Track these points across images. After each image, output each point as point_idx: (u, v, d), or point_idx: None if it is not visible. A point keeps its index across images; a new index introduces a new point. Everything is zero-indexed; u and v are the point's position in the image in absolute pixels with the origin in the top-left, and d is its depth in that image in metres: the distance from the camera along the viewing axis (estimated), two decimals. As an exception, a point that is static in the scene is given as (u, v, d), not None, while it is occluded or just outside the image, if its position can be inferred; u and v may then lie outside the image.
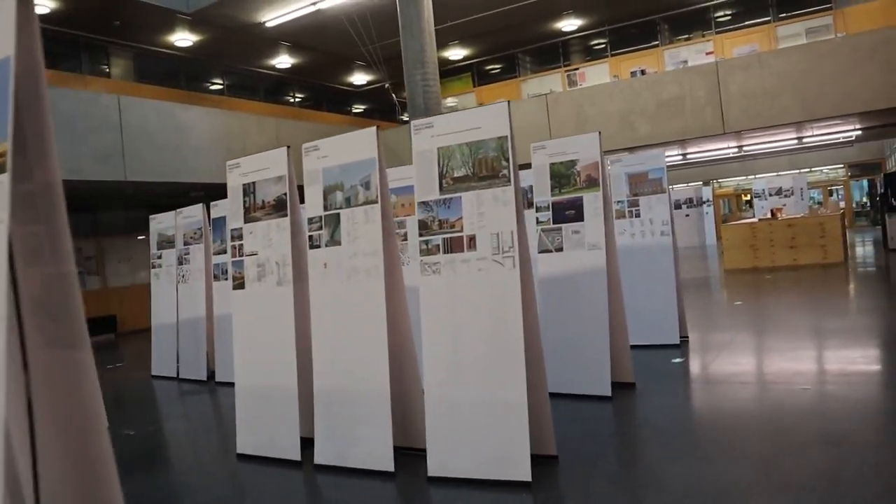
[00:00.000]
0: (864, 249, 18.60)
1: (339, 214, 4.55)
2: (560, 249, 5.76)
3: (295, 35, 17.13)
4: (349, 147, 4.55)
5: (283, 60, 19.40)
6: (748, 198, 29.98)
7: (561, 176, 5.82)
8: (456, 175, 4.16)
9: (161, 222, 9.48)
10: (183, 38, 16.55)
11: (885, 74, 13.58)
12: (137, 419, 6.86)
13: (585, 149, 5.74)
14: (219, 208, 8.13)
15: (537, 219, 5.92)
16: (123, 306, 15.67)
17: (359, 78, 22.26)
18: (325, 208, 4.63)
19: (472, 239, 4.09)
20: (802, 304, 9.95)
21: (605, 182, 5.70)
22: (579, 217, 5.67)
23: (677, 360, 6.79)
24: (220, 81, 19.52)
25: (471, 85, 21.12)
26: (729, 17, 18.35)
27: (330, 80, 22.18)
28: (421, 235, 4.25)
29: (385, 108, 25.02)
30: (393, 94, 16.84)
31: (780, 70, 14.49)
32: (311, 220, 4.71)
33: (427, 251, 4.22)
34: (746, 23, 18.09)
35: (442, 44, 19.81)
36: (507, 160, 4.01)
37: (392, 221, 4.45)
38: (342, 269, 4.52)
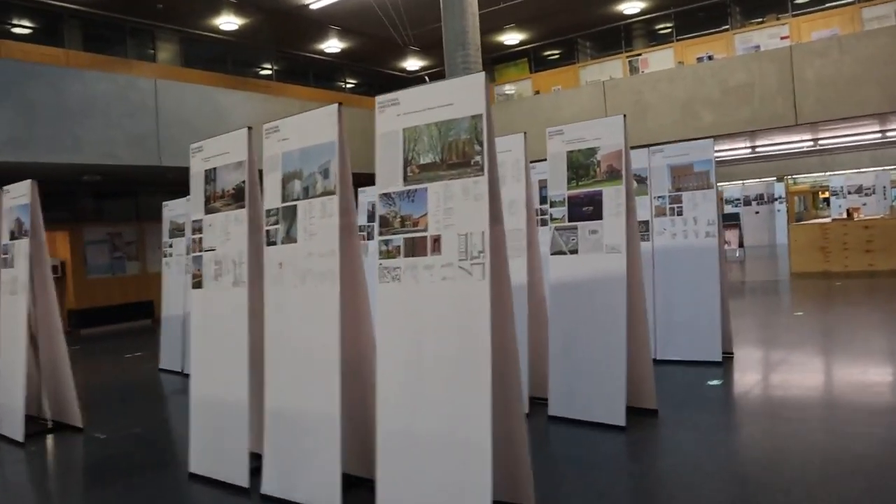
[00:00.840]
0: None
1: (296, 207, 3.87)
2: (575, 251, 4.96)
3: (343, 18, 16.59)
4: (311, 128, 3.87)
5: (333, 45, 18.91)
6: (825, 195, 28.08)
7: (579, 166, 5.01)
8: (422, 162, 3.43)
9: (173, 209, 9.02)
10: (228, 22, 16.19)
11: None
12: (117, 420, 6.37)
13: (608, 134, 4.91)
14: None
15: (551, 215, 5.13)
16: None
17: (412, 63, 21.62)
18: (283, 199, 3.96)
19: (436, 240, 3.35)
20: (875, 320, 8.82)
21: (629, 174, 4.85)
22: (598, 215, 4.85)
23: (715, 381, 5.89)
24: (269, 66, 19.15)
25: (527, 71, 20.22)
26: (808, -1, 16.94)
27: (382, 65, 21.60)
28: (381, 234, 3.53)
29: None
30: (426, 77, 16.11)
31: (862, 55, 13.16)
32: (268, 213, 4.05)
33: (387, 253, 3.50)
34: (827, 5, 16.63)
35: (496, 28, 18.97)
36: (481, 144, 3.24)
37: (353, 217, 3.74)
38: (297, 270, 3.84)
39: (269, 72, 19.19)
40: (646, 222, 6.89)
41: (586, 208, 4.90)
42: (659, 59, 17.84)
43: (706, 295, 6.53)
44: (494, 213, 3.24)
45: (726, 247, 21.71)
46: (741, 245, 21.72)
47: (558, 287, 5.03)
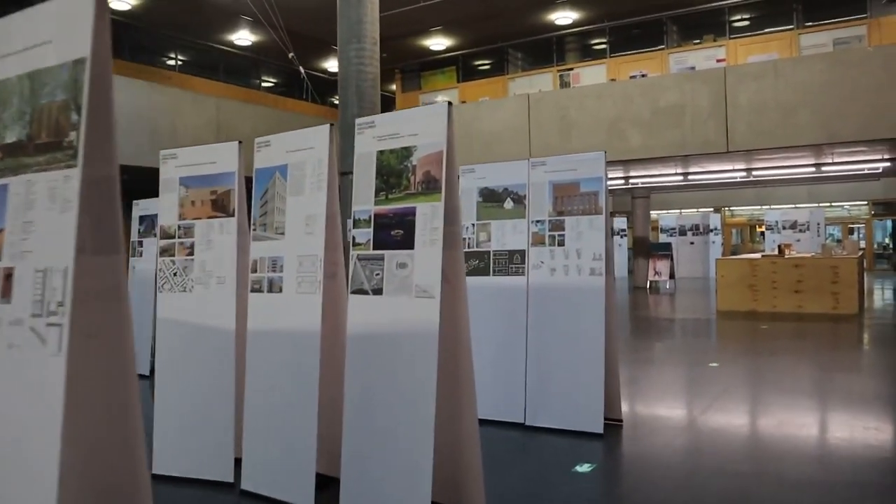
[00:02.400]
0: (883, 300, 16.16)
1: None
2: (379, 291, 3.52)
3: (255, 8, 15.06)
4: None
5: (244, 37, 17.33)
6: (762, 229, 27.45)
7: (391, 172, 3.58)
8: (7, 140, 1.95)
9: (145, 209, 8.70)
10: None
11: (924, 93, 11.25)
12: None
13: (428, 128, 3.48)
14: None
15: (353, 239, 3.69)
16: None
17: (335, 64, 20.12)
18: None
19: (8, 276, 1.87)
20: (800, 373, 7.63)
21: (453, 185, 3.44)
22: (409, 242, 3.42)
23: (584, 467, 4.49)
24: (171, 55, 17.45)
25: (455, 80, 18.93)
26: (747, 23, 16.04)
27: (303, 63, 20.05)
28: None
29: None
30: (301, 69, 14.74)
31: (798, 81, 12.19)
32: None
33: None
34: (766, 30, 15.77)
35: (422, 31, 17.68)
36: (79, 111, 1.78)
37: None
38: None
39: (173, 62, 17.49)
40: (522, 252, 5.53)
41: (395, 232, 3.47)
42: (591, 75, 16.74)
43: (588, 347, 5.17)
44: (98, 236, 1.77)
45: (655, 277, 20.74)
46: (672, 276, 20.72)
47: (357, 339, 3.59)
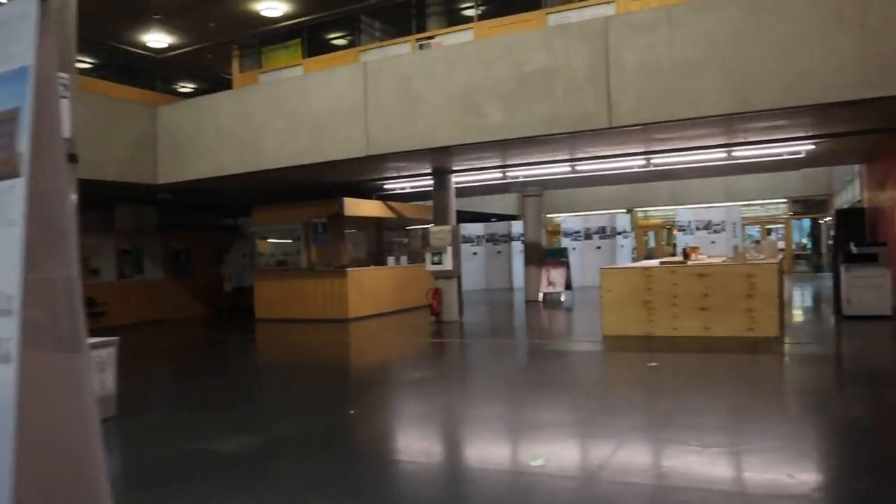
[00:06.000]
0: (807, 315, 13.41)
1: None
2: None
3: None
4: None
5: None
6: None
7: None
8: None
9: None
10: None
11: (861, 45, 8.40)
12: None
13: None
14: None
15: None
16: None
17: (158, 39, 16.44)
18: None
19: None
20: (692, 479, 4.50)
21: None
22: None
23: None
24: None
25: (300, 55, 15.47)
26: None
27: (120, 39, 16.31)
28: None
29: (195, 78, 19.26)
30: None
31: (700, 33, 9.26)
32: None
33: None
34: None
35: (251, -9, 14.25)
36: None
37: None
38: None
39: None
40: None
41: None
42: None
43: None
44: None
45: (549, 288, 17.69)
46: (569, 287, 17.70)
47: None
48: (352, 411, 6.43)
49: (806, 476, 4.28)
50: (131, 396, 7.63)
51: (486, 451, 5.24)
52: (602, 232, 23.65)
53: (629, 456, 4.76)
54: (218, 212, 20.12)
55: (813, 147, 12.41)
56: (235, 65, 16.33)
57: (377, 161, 12.01)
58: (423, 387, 7.82)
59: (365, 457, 4.90)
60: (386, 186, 16.01)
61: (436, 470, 4.75)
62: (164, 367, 10.27)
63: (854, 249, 11.30)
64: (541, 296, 17.63)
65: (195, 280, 17.61)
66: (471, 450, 5.38)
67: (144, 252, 16.58)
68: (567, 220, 25.00)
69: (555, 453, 4.86)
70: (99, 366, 6.28)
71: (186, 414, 6.61)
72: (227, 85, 16.78)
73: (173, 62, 17.47)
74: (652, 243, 30.34)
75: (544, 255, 18.14)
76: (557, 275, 17.54)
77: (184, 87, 19.33)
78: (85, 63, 16.59)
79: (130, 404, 7.09)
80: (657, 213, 29.95)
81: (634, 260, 23.14)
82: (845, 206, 18.90)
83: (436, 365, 9.55)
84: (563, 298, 17.49)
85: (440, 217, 13.83)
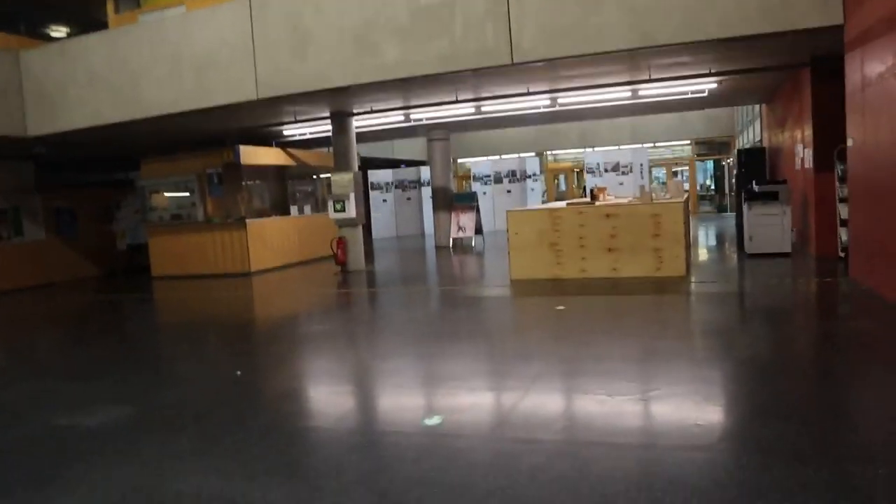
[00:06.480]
0: (712, 254, 13.53)
1: None
2: None
3: None
4: None
5: None
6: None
7: None
8: None
9: None
10: None
11: (761, -26, 8.17)
12: None
13: None
14: None
15: None
16: None
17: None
18: None
19: None
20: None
21: None
22: None
23: None
24: None
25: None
26: None
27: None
28: None
29: (68, 22, 17.69)
30: None
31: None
32: None
33: None
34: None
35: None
36: None
37: None
38: None
39: None
40: None
41: None
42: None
43: None
44: None
45: (459, 234, 17.37)
46: (479, 231, 17.42)
47: None
48: (238, 372, 5.90)
49: (714, 423, 4.05)
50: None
51: (381, 411, 4.84)
52: (512, 176, 23.41)
53: (533, 408, 4.43)
54: (108, 166, 18.77)
55: (716, 86, 12.33)
56: (110, 5, 14.97)
57: (270, 105, 11.22)
58: (320, 341, 7.35)
59: (238, 424, 4.41)
60: (286, 133, 15.16)
61: (320, 434, 4.31)
62: (41, 335, 9.41)
63: (756, 188, 11.33)
64: (451, 241, 17.30)
65: (83, 240, 16.41)
66: (356, 410, 4.96)
67: (22, 212, 15.27)
68: (477, 164, 24.64)
69: (455, 409, 4.50)
70: (-59, 339, 5.53)
71: (55, 385, 5.94)
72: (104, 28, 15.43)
73: (42, 4, 15.94)
74: (563, 186, 30.45)
75: (453, 199, 17.74)
76: (467, 219, 17.21)
77: (56, 31, 17.74)
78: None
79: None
80: (567, 155, 30.01)
81: (545, 203, 23.08)
82: (747, 147, 19.19)
83: (336, 317, 9.07)
84: (473, 244, 17.21)
85: (341, 163, 13.19)
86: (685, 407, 4.27)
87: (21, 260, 14.93)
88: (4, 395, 5.81)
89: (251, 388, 5.47)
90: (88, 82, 11.61)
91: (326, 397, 5.38)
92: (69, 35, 17.34)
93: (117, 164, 18.10)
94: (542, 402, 4.61)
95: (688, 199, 12.07)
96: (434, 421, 4.17)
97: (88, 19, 16.96)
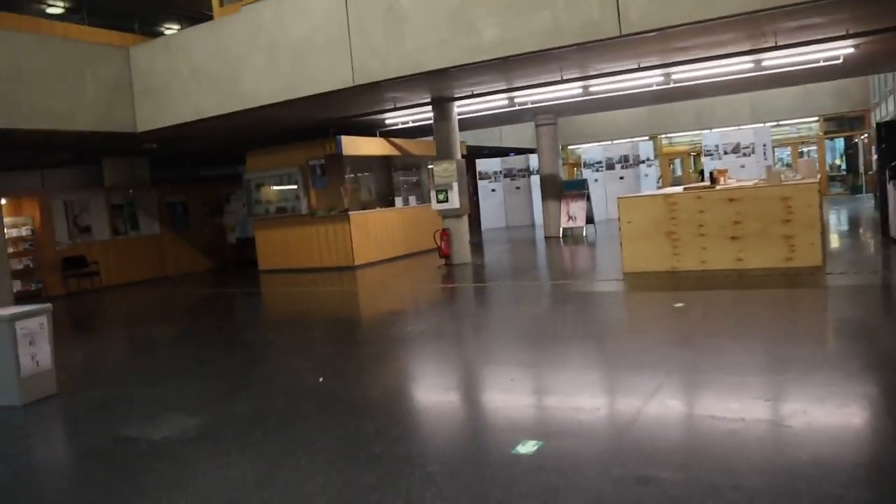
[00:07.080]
0: (851, 240, 12.18)
1: None
2: None
3: None
4: None
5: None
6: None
7: None
8: None
9: None
10: None
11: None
12: None
13: None
14: None
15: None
16: None
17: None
18: None
19: None
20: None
21: None
22: None
23: None
24: None
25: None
26: None
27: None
28: None
29: (178, 18, 17.96)
30: None
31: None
32: None
33: None
34: None
35: None
36: None
37: None
38: None
39: None
40: None
41: None
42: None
43: None
44: None
45: (570, 223, 16.60)
46: (590, 220, 16.59)
47: None
48: (321, 379, 5.51)
49: (881, 461, 3.27)
50: (85, 370, 6.82)
51: (470, 429, 4.31)
52: (625, 161, 22.30)
53: (649, 434, 3.77)
54: (217, 160, 19.14)
55: (853, 49, 10.99)
56: (216, -2, 15.07)
57: (368, 91, 10.85)
58: (412, 345, 6.89)
59: (316, 439, 3.98)
60: (388, 121, 14.83)
61: (405, 452, 3.81)
62: (137, 333, 9.45)
63: (902, 164, 10.03)
64: (561, 231, 16.56)
65: (195, 233, 16.75)
66: (436, 431, 4.44)
67: (137, 207, 15.70)
68: (587, 150, 23.66)
69: (555, 431, 3.90)
70: (27, 338, 5.41)
71: (131, 390, 5.75)
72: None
73: (154, 2, 16.28)
74: (679, 171, 28.87)
75: (562, 187, 16.97)
76: (577, 208, 16.41)
77: (169, 28, 18.14)
78: (57, 7, 15.50)
79: (79, 379, 6.29)
80: (682, 138, 28.38)
81: (660, 189, 21.85)
82: (886, 119, 17.35)
83: (433, 317, 8.59)
84: (584, 233, 16.39)
85: (443, 151, 12.71)
86: (842, 436, 3.50)
87: (137, 254, 15.35)
88: (84, 399, 5.66)
89: (330, 397, 5.06)
90: (191, 75, 11.64)
91: (408, 415, 4.89)
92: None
93: (226, 158, 18.39)
94: (659, 426, 3.93)
95: (820, 179, 10.86)
96: (528, 448, 3.58)
97: (200, 15, 17.25)
